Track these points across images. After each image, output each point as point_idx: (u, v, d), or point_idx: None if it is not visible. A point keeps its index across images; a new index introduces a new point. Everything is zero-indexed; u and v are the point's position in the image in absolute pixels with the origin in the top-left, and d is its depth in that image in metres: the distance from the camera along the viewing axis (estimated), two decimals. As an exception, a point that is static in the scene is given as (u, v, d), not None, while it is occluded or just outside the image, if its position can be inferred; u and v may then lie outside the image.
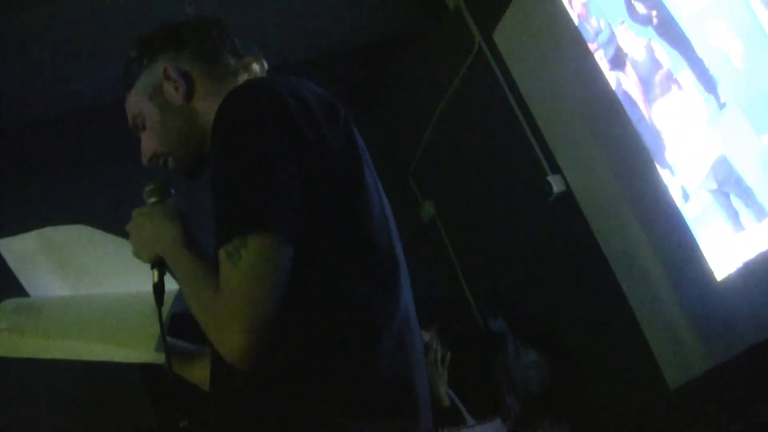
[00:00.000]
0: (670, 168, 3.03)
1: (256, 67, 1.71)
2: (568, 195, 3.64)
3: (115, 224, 1.67)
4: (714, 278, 2.92)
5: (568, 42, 3.40)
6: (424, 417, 1.44)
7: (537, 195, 3.79)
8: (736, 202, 2.81)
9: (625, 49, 3.12)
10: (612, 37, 3.17)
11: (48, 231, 1.77)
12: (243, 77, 1.68)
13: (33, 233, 1.77)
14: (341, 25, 4.18)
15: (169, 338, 1.54)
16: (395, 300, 1.47)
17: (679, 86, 2.93)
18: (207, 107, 1.59)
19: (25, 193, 4.14)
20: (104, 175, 4.29)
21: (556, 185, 3.66)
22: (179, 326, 1.77)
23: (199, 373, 1.73)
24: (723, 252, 2.88)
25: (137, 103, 1.69)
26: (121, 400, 3.90)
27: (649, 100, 3.07)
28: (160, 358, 1.62)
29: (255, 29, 3.78)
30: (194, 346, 1.80)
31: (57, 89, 3.74)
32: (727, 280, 2.89)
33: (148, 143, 1.69)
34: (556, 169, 3.69)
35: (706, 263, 2.94)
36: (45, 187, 4.25)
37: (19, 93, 3.66)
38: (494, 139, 4.18)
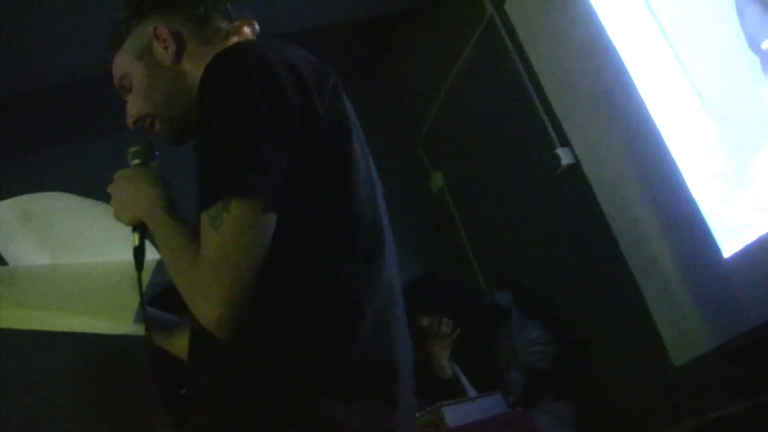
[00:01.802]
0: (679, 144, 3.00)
1: (247, 30, 1.68)
2: (576, 168, 3.61)
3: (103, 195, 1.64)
4: (721, 255, 2.89)
5: (580, 14, 3.35)
6: (404, 394, 1.41)
7: (545, 167, 3.76)
8: (746, 179, 2.77)
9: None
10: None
11: (25, 198, 1.73)
12: (233, 40, 1.64)
13: (9, 201, 1.72)
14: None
15: (149, 309, 1.52)
16: (378, 273, 1.45)
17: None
18: (196, 68, 1.56)
19: (12, 166, 4.11)
20: (94, 147, 4.26)
21: (565, 158, 3.63)
22: (163, 300, 1.75)
23: (180, 345, 1.70)
24: (731, 229, 2.85)
25: (124, 63, 1.66)
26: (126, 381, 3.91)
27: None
28: (139, 330, 1.60)
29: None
30: (175, 317, 1.78)
31: (53, 59, 3.71)
32: (734, 257, 2.85)
33: (134, 104, 1.66)
34: (564, 142, 3.66)
35: (714, 240, 2.91)
36: (34, 161, 4.24)
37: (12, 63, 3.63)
38: (504, 111, 4.15)
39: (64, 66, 3.76)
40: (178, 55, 1.62)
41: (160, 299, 1.79)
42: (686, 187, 2.97)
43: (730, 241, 2.86)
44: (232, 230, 1.27)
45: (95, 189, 1.68)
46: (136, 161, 1.56)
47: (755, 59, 2.65)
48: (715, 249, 2.90)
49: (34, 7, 3.33)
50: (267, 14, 1.77)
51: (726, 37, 2.78)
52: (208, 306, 1.28)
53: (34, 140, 4.23)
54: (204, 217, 1.30)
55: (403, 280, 1.57)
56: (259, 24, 1.74)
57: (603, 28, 3.23)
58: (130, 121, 1.67)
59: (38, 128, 4.17)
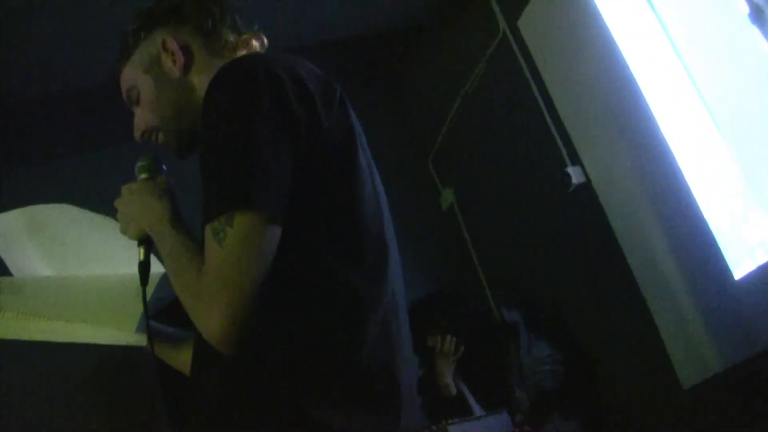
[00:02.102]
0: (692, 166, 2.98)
1: (255, 43, 1.68)
2: (587, 187, 3.60)
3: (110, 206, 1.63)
4: (732, 277, 2.87)
5: (593, 32, 3.35)
6: (406, 407, 1.40)
7: (556, 186, 3.74)
8: (758, 201, 2.75)
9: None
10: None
11: (32, 209, 1.73)
12: (241, 53, 1.64)
13: (16, 211, 1.73)
14: (367, 7, 4.15)
15: (152, 322, 1.51)
16: (382, 286, 1.43)
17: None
18: (204, 81, 1.53)
19: (20, 176, 4.11)
20: (102, 157, 4.26)
21: (576, 177, 3.62)
22: (167, 315, 1.75)
23: (183, 359, 1.70)
24: (742, 251, 2.83)
25: (132, 76, 1.66)
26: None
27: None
28: (141, 340, 1.59)
29: (281, 9, 3.76)
30: (179, 331, 1.78)
31: (57, 68, 3.71)
32: (745, 279, 2.83)
33: (142, 117, 1.65)
34: (576, 161, 3.65)
35: (725, 261, 2.89)
36: (42, 170, 4.25)
37: (17, 71, 3.63)
38: (515, 128, 4.14)
39: (74, 74, 3.76)
40: (187, 68, 1.62)
41: (165, 314, 1.79)
42: (698, 208, 2.95)
43: (741, 263, 2.84)
44: (235, 244, 1.27)
45: (102, 199, 1.68)
46: (143, 175, 1.55)
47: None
48: (725, 270, 2.88)
49: (39, 15, 3.34)
50: (283, 27, 1.78)
51: (741, 58, 2.77)
52: (210, 321, 1.27)
53: (41, 149, 4.23)
54: (208, 230, 1.29)
55: (411, 297, 1.56)
56: (275, 36, 1.74)
57: (617, 46, 3.23)
58: (137, 133, 1.67)
59: (45, 137, 4.18)
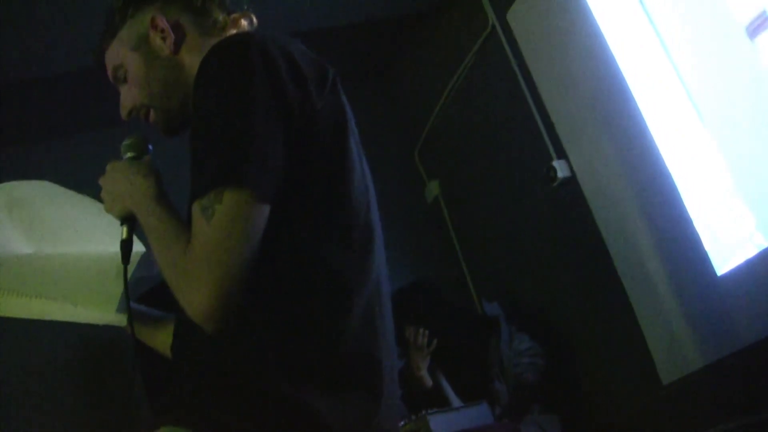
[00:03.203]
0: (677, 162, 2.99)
1: (244, 22, 1.67)
2: (572, 181, 3.60)
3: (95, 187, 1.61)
4: (715, 273, 2.88)
5: (582, 27, 3.35)
6: (387, 390, 1.39)
7: (541, 179, 3.75)
8: (742, 198, 2.76)
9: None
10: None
11: (10, 185, 1.70)
12: (231, 32, 1.63)
13: None
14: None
15: (132, 303, 1.50)
16: (368, 271, 1.43)
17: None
18: (194, 60, 1.52)
19: (2, 160, 4.08)
20: (87, 141, 4.23)
21: (561, 171, 3.62)
22: (151, 298, 1.73)
23: (163, 340, 1.68)
24: (725, 248, 2.84)
25: (119, 53, 1.63)
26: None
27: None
28: (121, 321, 1.58)
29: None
30: (159, 312, 1.76)
31: (37, 50, 3.68)
32: (728, 276, 2.84)
33: (129, 95, 1.63)
34: (561, 155, 3.65)
35: (708, 258, 2.89)
36: (26, 153, 4.21)
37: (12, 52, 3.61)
38: (502, 121, 4.14)
39: (55, 57, 3.73)
40: (177, 46, 1.60)
41: (151, 296, 1.77)
42: (682, 204, 2.96)
43: (724, 260, 2.85)
44: (223, 221, 1.25)
45: (88, 182, 1.66)
46: (129, 154, 1.53)
47: (757, 76, 2.64)
48: (708, 266, 2.89)
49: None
50: (269, 14, 1.76)
51: (728, 55, 2.77)
52: (195, 297, 1.26)
53: (24, 131, 4.19)
54: (196, 207, 1.28)
55: (393, 288, 1.56)
56: (262, 25, 1.72)
57: (605, 42, 3.23)
58: (124, 112, 1.64)
59: (28, 120, 4.15)
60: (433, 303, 3.87)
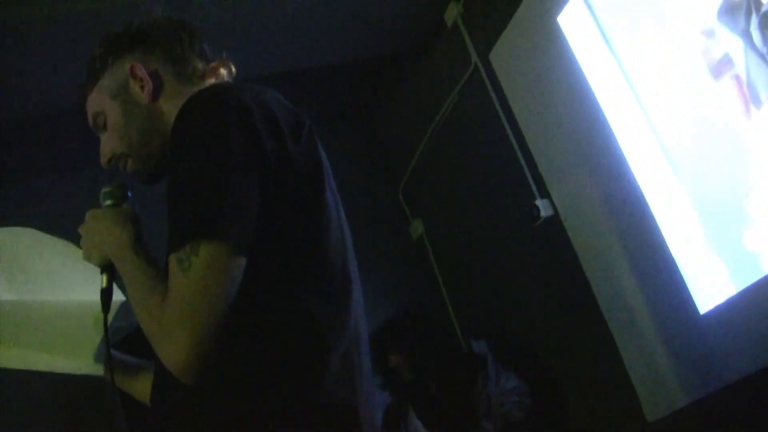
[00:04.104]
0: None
1: (223, 71, 1.68)
2: (555, 220, 3.62)
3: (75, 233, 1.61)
4: (697, 312, 2.89)
5: (565, 67, 3.37)
6: None
7: (525, 218, 3.76)
8: (723, 235, 2.78)
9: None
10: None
11: None
12: (210, 81, 1.64)
13: None
14: (339, 36, 4.15)
15: (111, 351, 1.50)
16: (346, 319, 1.43)
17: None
18: (173, 108, 1.53)
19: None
20: (67, 182, 4.23)
21: (544, 210, 3.64)
22: (128, 345, 1.73)
23: (141, 388, 1.68)
24: (708, 286, 2.85)
25: (99, 101, 1.64)
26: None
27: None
28: (98, 370, 1.58)
29: (255, 36, 3.76)
30: (138, 360, 1.76)
31: (22, 90, 3.68)
32: (710, 314, 2.85)
33: (108, 144, 1.64)
34: (544, 194, 3.67)
35: (690, 296, 2.91)
36: (6, 194, 4.20)
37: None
38: (485, 160, 4.16)
39: (39, 98, 3.74)
40: (155, 95, 1.61)
41: (127, 344, 1.77)
42: (665, 243, 2.97)
43: (706, 298, 2.86)
44: (199, 273, 1.26)
45: (67, 224, 1.66)
46: (108, 202, 1.54)
47: (733, 129, 2.65)
48: (691, 305, 2.90)
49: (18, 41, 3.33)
50: (252, 55, 1.78)
51: (694, 100, 2.79)
52: (173, 350, 1.26)
53: (6, 172, 4.19)
54: (173, 259, 1.29)
55: (382, 317, 1.57)
56: (244, 64, 1.74)
57: (587, 82, 3.25)
58: (103, 160, 1.65)
59: (11, 160, 4.14)
60: (423, 335, 3.85)
